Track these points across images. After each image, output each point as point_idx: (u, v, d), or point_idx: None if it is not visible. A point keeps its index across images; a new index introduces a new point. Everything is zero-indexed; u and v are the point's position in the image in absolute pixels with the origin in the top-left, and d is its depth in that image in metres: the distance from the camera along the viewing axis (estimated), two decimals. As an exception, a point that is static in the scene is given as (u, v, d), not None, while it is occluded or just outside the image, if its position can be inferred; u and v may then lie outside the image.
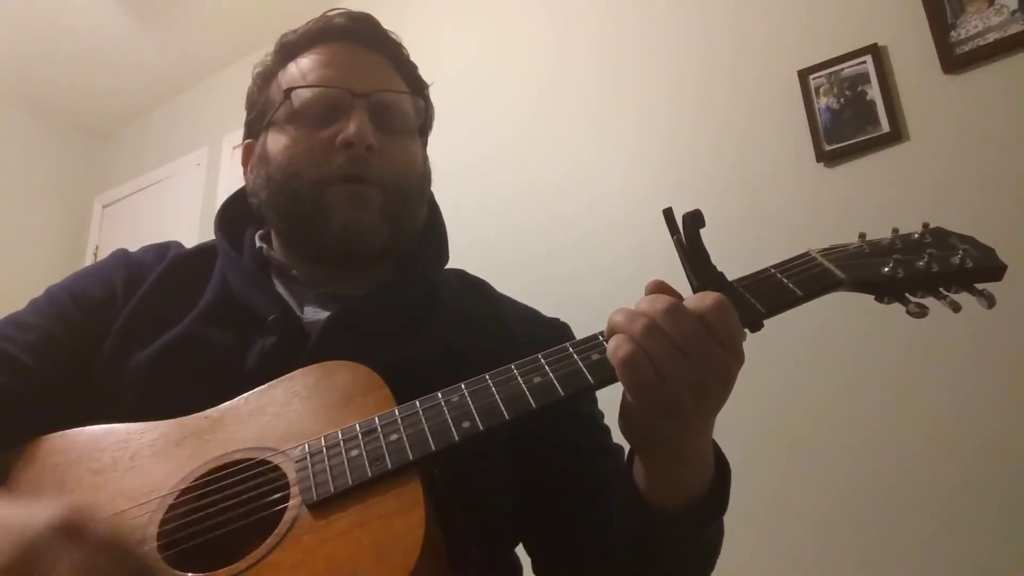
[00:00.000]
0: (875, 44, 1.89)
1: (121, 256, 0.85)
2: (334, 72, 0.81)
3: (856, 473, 1.67)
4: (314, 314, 0.78)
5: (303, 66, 0.83)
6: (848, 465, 1.69)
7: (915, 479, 1.60)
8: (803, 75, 1.98)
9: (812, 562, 1.67)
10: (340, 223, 0.77)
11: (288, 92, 0.80)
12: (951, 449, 1.59)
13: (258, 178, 0.83)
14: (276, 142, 0.81)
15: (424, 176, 0.87)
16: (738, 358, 0.55)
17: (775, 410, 1.77)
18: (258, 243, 0.86)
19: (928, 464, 1.60)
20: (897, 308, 0.62)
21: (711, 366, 0.54)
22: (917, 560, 1.56)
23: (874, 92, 1.87)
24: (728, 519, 0.67)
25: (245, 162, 0.88)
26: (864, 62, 1.90)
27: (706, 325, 0.54)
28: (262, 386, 0.66)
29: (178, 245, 0.88)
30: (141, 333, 0.75)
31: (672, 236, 0.60)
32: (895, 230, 0.65)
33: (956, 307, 0.59)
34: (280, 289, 0.80)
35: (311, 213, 0.78)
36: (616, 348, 0.54)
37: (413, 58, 0.89)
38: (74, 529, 0.50)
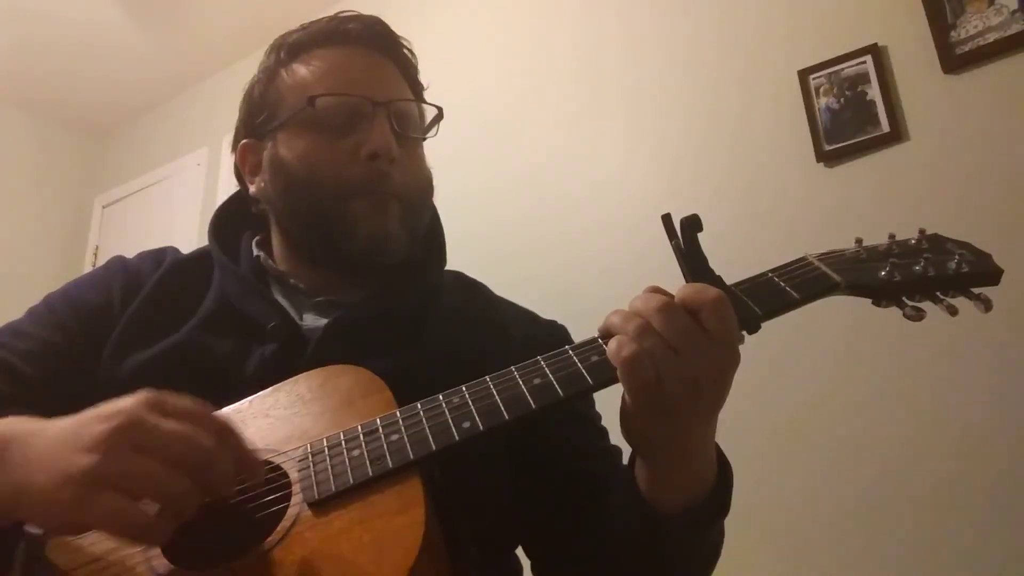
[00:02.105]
0: (875, 44, 1.89)
1: (118, 263, 0.85)
2: (353, 78, 0.80)
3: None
4: (313, 321, 0.78)
5: (316, 69, 0.81)
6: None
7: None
8: (803, 75, 1.98)
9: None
10: (365, 234, 0.77)
11: (312, 99, 0.78)
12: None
13: (273, 185, 0.82)
14: (292, 148, 0.80)
15: (431, 183, 0.86)
16: (732, 355, 0.55)
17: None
18: (255, 251, 0.85)
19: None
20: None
21: (703, 363, 0.54)
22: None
23: (874, 92, 1.87)
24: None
25: (243, 162, 0.87)
26: (864, 62, 1.90)
27: (699, 322, 0.54)
28: (265, 390, 0.66)
29: (174, 251, 0.88)
30: (140, 340, 0.75)
31: (671, 241, 0.61)
32: (892, 236, 0.66)
33: (953, 311, 0.60)
34: (278, 297, 0.80)
35: (335, 224, 0.77)
36: (619, 348, 0.55)
37: (405, 51, 0.87)
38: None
